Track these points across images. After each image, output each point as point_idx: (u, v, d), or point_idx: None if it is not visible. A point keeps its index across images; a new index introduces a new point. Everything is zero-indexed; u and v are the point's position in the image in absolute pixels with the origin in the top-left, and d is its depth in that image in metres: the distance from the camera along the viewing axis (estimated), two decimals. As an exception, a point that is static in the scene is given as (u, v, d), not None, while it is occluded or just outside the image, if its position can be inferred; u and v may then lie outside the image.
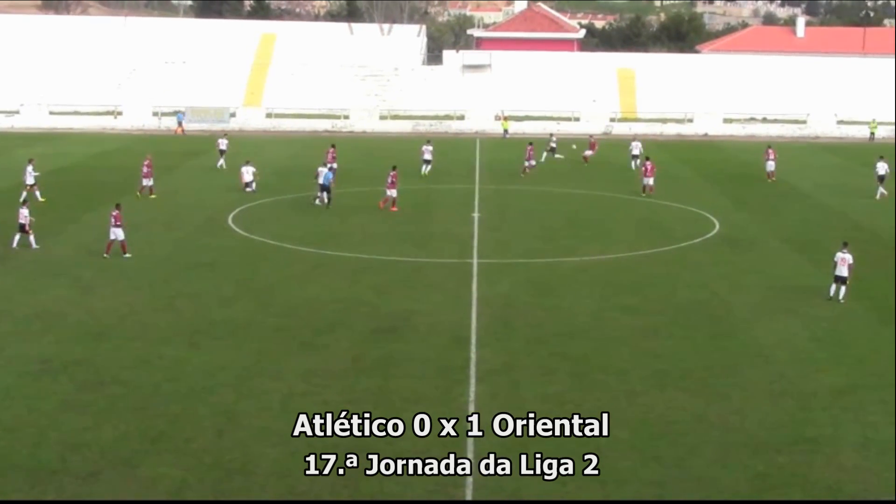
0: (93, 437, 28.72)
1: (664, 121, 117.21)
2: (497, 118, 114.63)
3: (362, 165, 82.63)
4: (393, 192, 63.65)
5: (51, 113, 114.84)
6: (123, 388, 32.74)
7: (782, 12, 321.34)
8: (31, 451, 27.90)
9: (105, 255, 49.78)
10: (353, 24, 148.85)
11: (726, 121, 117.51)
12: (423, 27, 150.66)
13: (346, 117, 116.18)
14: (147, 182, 67.36)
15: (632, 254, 53.10)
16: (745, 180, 79.32)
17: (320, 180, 65.34)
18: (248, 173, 70.46)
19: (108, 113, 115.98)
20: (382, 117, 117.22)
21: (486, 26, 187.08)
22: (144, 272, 47.83)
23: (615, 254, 52.97)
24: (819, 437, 29.46)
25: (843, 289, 43.64)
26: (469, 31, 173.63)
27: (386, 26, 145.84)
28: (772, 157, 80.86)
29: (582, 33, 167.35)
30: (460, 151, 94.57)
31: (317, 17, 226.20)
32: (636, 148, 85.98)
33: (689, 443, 28.76)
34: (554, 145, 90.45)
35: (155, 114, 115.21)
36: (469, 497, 25.46)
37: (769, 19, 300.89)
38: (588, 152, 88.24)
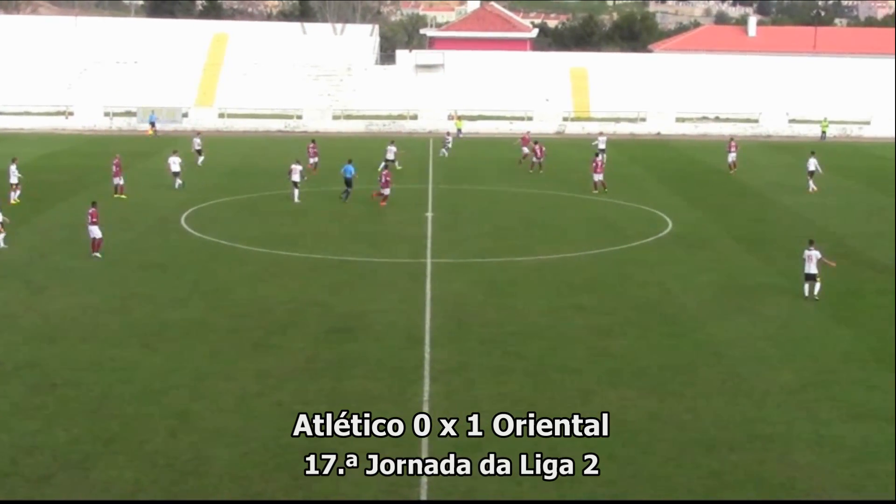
0: (45, 440, 28.49)
1: (617, 120, 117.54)
2: (450, 118, 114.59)
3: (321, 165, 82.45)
4: (386, 191, 65.04)
5: (0, 113, 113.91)
6: (75, 390, 32.52)
7: (734, 12, 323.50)
8: (-19, 454, 27.71)
9: (95, 255, 50.16)
10: (306, 24, 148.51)
11: (679, 120, 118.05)
12: (376, 27, 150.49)
13: (300, 117, 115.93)
14: (117, 181, 67.40)
15: (585, 253, 53.20)
16: (698, 179, 79.71)
17: (294, 177, 66.56)
18: (175, 164, 70.85)
19: (59, 113, 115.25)
20: (336, 117, 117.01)
21: (438, 26, 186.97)
22: (96, 273, 47.53)
23: (568, 253, 53.06)
24: (772, 434, 29.58)
25: (816, 286, 43.91)
26: (422, 31, 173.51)
27: (339, 26, 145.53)
28: (734, 149, 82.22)
29: (535, 33, 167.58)
30: (414, 151, 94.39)
31: (269, 17, 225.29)
32: (602, 142, 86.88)
33: (642, 441, 28.80)
34: (448, 144, 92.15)
35: (106, 114, 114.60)
36: (423, 497, 25.43)
37: (721, 19, 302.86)
38: (525, 149, 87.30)
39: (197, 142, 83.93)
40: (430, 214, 62.56)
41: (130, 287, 45.12)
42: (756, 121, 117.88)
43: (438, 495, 25.47)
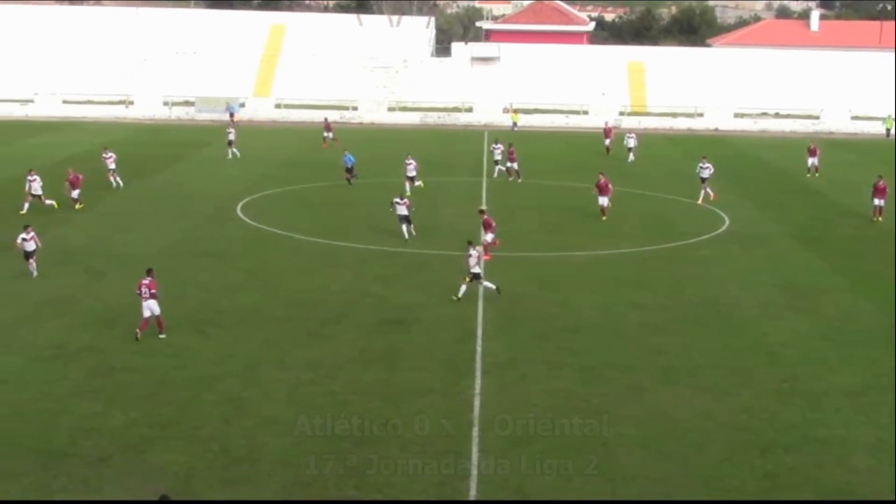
0: (103, 423, 28.96)
1: (674, 115, 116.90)
2: (506, 111, 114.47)
3: (371, 156, 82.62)
4: (489, 237, 50.03)
5: (64, 102, 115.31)
6: (133, 374, 32.88)
7: (796, 6, 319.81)
8: (42, 434, 28.24)
9: (138, 334, 36.69)
10: (363, 16, 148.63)
11: (737, 115, 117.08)
12: (432, 19, 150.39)
13: (355, 108, 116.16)
14: (74, 193, 60.10)
15: (639, 249, 52.92)
16: (756, 176, 78.98)
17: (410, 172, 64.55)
18: (36, 185, 59.16)
19: (119, 102, 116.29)
20: (391, 109, 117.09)
21: (495, 18, 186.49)
22: (153, 260, 47.54)
23: (622, 249, 52.80)
24: (830, 438, 29.25)
25: (484, 283, 42.46)
26: (478, 24, 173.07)
27: (395, 18, 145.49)
28: (816, 153, 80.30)
29: (592, 26, 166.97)
30: (468, 144, 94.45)
31: (326, 9, 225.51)
32: (631, 140, 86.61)
33: (695, 440, 28.63)
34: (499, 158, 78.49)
35: (165, 103, 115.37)
36: (473, 494, 25.40)
37: (783, 13, 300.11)
38: (607, 141, 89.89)
39: (231, 133, 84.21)
40: (484, 208, 62.36)
41: (186, 275, 45.40)
42: (817, 117, 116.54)
43: (488, 493, 25.46)
